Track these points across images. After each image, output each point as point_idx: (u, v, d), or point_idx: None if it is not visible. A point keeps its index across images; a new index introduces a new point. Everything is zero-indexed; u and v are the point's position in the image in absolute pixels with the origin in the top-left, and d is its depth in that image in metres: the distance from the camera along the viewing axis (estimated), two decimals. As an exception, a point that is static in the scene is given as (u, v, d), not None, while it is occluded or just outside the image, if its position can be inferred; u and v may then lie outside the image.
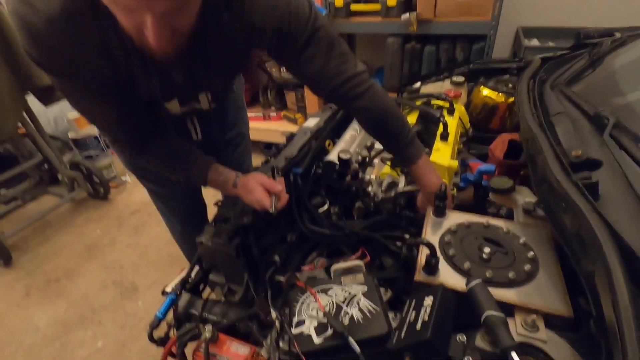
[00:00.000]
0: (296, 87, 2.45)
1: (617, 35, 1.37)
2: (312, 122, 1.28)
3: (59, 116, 2.43)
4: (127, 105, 0.76)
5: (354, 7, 1.91)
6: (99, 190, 2.32)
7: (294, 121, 2.45)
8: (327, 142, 1.21)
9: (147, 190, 1.17)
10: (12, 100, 1.76)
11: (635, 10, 1.85)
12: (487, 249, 0.60)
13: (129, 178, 2.54)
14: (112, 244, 1.98)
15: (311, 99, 2.33)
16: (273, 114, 2.55)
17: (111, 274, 1.79)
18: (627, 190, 0.56)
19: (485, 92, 1.32)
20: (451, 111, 1.17)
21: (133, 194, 2.40)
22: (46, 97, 1.87)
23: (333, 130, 1.28)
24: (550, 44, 1.79)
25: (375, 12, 1.88)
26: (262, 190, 0.76)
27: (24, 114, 1.91)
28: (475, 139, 1.33)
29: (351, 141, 1.19)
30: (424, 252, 0.61)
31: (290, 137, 1.20)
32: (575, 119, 0.74)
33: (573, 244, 0.53)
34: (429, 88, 1.44)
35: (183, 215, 1.24)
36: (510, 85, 1.31)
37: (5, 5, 0.61)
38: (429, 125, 1.19)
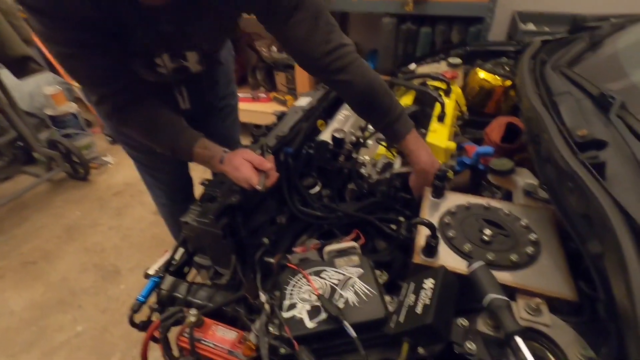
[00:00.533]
0: (286, 67, 2.37)
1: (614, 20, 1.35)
2: (304, 101, 1.23)
3: (35, 91, 2.29)
4: (116, 59, 0.72)
5: (349, -17, 1.83)
6: (79, 170, 2.23)
7: (283, 103, 2.39)
8: (319, 122, 1.17)
9: (133, 159, 1.13)
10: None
11: (630, -2, 1.83)
12: (487, 231, 0.57)
13: (111, 159, 2.44)
14: (93, 225, 1.91)
15: (301, 81, 2.26)
16: (262, 95, 2.47)
17: (92, 257, 1.72)
18: (635, 171, 0.53)
19: (482, 74, 1.28)
20: (448, 92, 1.14)
21: (115, 176, 2.31)
22: (20, 70, 1.75)
23: (325, 110, 1.23)
24: (546, 29, 1.76)
25: (370, -10, 1.81)
26: (250, 167, 0.71)
27: (-5, 88, 1.79)
28: (470, 122, 1.30)
29: (345, 121, 1.14)
30: (423, 232, 0.58)
31: (281, 115, 1.16)
32: (579, 99, 0.72)
33: (579, 226, 0.51)
34: (425, 69, 1.39)
35: (169, 189, 1.21)
36: (507, 68, 1.28)
37: None
38: (425, 107, 1.15)
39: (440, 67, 1.42)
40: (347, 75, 0.76)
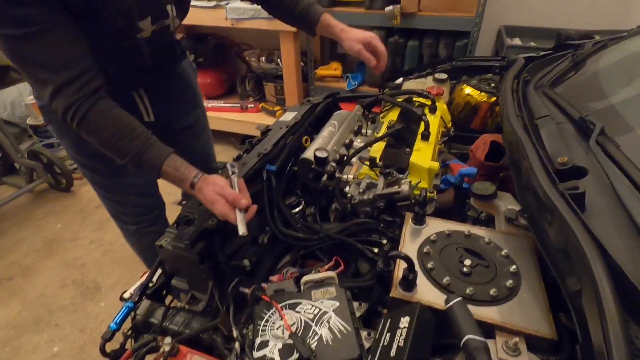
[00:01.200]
0: (275, 78, 2.36)
1: (598, 37, 1.37)
2: (289, 116, 1.21)
3: (17, 100, 2.24)
4: (74, 37, 0.67)
5: (337, -4, 1.84)
6: (61, 181, 2.17)
7: (272, 114, 2.37)
8: (304, 138, 1.15)
9: (93, 186, 1.07)
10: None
11: (614, 15, 1.87)
12: (467, 262, 0.56)
13: None
14: (74, 239, 1.86)
15: (290, 92, 2.25)
16: (251, 106, 2.45)
17: (72, 272, 1.67)
18: (613, 201, 0.53)
19: (468, 90, 1.28)
20: (433, 109, 1.13)
21: (99, 186, 2.26)
22: (0, 80, 1.71)
23: (311, 125, 1.22)
24: (532, 43, 1.79)
25: (358, 3, 1.82)
26: (224, 203, 0.67)
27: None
28: (456, 138, 1.30)
29: (329, 137, 1.13)
30: (401, 265, 0.56)
31: (265, 131, 1.14)
32: (560, 122, 0.71)
33: (558, 259, 0.50)
34: (411, 84, 1.39)
35: (136, 213, 1.14)
36: (492, 84, 1.28)
37: None
38: (410, 124, 1.14)
39: (426, 83, 1.42)
40: None
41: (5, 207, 2.02)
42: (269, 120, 2.35)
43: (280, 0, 1.05)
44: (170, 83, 1.07)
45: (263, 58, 2.41)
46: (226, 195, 0.68)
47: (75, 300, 1.54)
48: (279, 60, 2.31)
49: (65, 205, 2.11)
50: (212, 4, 1.98)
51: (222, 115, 2.45)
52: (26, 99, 2.15)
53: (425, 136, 0.99)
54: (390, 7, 1.72)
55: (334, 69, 2.14)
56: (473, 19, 1.65)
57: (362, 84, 2.08)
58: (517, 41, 1.77)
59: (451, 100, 1.39)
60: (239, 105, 2.47)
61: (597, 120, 0.65)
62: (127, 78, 0.91)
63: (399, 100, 1.24)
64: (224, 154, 2.57)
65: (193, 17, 2.07)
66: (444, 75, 1.35)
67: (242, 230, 0.64)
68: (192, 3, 1.67)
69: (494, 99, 1.23)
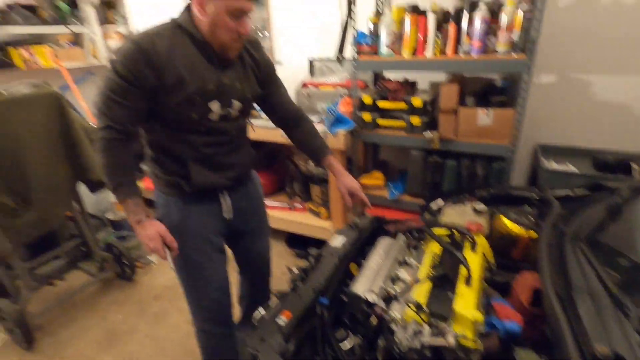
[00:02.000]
0: (321, 181, 2.59)
1: (635, 167, 1.43)
2: (338, 242, 1.34)
3: (102, 197, 2.63)
4: (136, 113, 1.02)
5: (380, 121, 2.09)
6: (126, 271, 2.41)
7: (317, 215, 2.55)
8: (352, 265, 1.27)
9: (178, 278, 1.30)
10: (66, 190, 1.96)
11: (651, 138, 1.94)
12: None
13: (155, 258, 2.63)
14: (132, 332, 2.00)
15: (335, 195, 2.44)
16: (298, 205, 2.66)
17: (126, 368, 1.78)
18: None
19: (506, 222, 1.37)
20: (474, 247, 1.21)
21: (157, 277, 2.47)
22: (95, 187, 2.06)
23: (358, 249, 1.34)
24: (569, 165, 1.87)
25: (400, 128, 2.05)
26: (160, 241, 1.03)
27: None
28: (498, 264, 1.35)
29: (376, 270, 1.23)
30: None
31: (318, 257, 1.26)
32: (599, 295, 0.77)
33: None
34: (451, 213, 1.50)
35: (211, 309, 1.32)
36: (531, 218, 1.36)
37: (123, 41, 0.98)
38: (453, 260, 1.22)
39: (465, 210, 1.53)
40: (306, 124, 1.36)
41: (77, 294, 2.26)
42: (314, 221, 2.53)
43: (300, 136, 1.38)
44: (247, 188, 1.34)
45: (310, 162, 2.68)
46: (165, 236, 1.04)
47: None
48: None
49: (127, 294, 2.30)
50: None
51: (272, 213, 2.68)
52: (110, 196, 2.53)
53: (468, 281, 1.06)
54: (429, 133, 1.92)
55: (376, 178, 2.32)
56: (508, 147, 1.79)
57: (403, 194, 2.22)
58: (553, 164, 1.87)
59: (491, 228, 1.48)
60: (287, 204, 2.69)
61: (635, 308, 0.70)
62: (218, 188, 1.22)
63: (441, 232, 1.34)
64: (272, 249, 2.73)
65: (257, 134, 2.43)
66: (482, 206, 1.46)
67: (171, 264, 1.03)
68: (256, 123, 2.06)
69: (533, 234, 1.30)
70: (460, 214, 1.50)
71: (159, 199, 1.22)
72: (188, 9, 1.02)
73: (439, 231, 1.36)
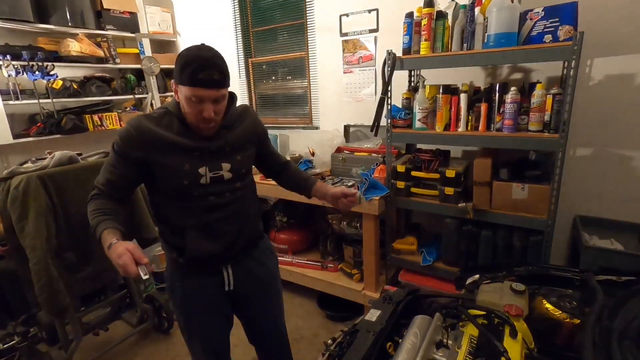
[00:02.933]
0: (354, 242, 2.63)
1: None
2: (374, 316, 1.36)
3: (147, 249, 2.81)
4: (126, 181, 1.20)
5: (414, 190, 2.16)
6: (164, 323, 2.49)
7: (349, 276, 2.56)
8: (388, 345, 1.27)
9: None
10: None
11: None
12: None
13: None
14: (165, 389, 2.03)
15: (368, 257, 2.46)
16: (330, 265, 2.70)
17: None
18: None
19: (547, 306, 1.34)
20: (514, 333, 1.20)
21: (191, 331, 2.52)
22: (147, 244, 2.23)
23: (393, 325, 1.34)
24: (613, 242, 1.82)
25: (433, 196, 2.10)
26: (130, 257, 1.00)
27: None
28: (540, 350, 1.30)
29: (413, 351, 1.23)
30: None
31: (352, 331, 1.28)
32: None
33: None
34: (488, 291, 1.48)
35: None
36: (574, 303, 1.33)
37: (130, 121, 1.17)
38: (493, 350, 1.21)
39: (504, 289, 1.51)
40: (288, 171, 1.55)
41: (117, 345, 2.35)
42: (346, 282, 2.54)
43: (288, 177, 1.55)
44: (254, 258, 1.40)
45: (345, 223, 2.75)
46: (133, 251, 1.01)
47: None
48: (358, 225, 2.61)
49: (163, 348, 2.36)
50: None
51: (303, 271, 2.73)
52: (155, 249, 2.70)
53: (508, 372, 1.04)
54: (463, 204, 1.96)
55: (409, 243, 2.34)
56: (545, 221, 1.78)
57: (437, 260, 2.21)
58: (595, 241, 1.82)
59: (531, 310, 1.44)
60: (320, 263, 2.74)
61: None
62: (219, 256, 1.30)
63: (477, 314, 1.33)
64: (302, 307, 2.74)
65: (293, 195, 2.57)
66: (521, 287, 1.44)
67: (144, 275, 0.99)
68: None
69: (577, 320, 1.26)
70: (497, 293, 1.48)
71: (166, 272, 1.36)
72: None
73: (476, 312, 1.35)
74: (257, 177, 2.67)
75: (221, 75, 1.10)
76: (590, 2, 1.87)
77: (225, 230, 1.27)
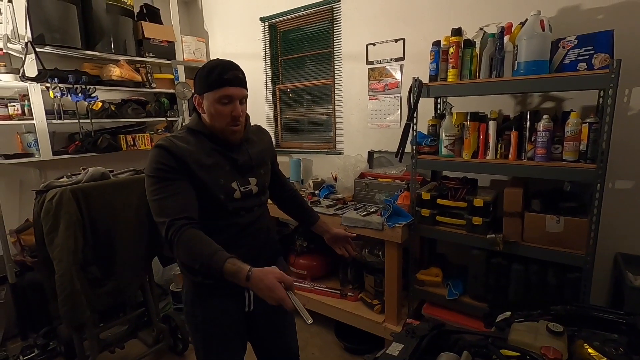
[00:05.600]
0: (376, 271, 2.54)
1: None
2: (396, 350, 1.28)
3: (168, 267, 2.83)
4: (188, 199, 1.11)
5: (440, 218, 2.09)
6: (178, 345, 2.45)
7: (370, 306, 2.46)
8: (411, 383, 1.18)
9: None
10: (143, 264, 2.15)
11: None
12: None
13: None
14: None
15: (390, 288, 2.36)
16: (350, 294, 2.60)
17: None
18: None
19: (590, 351, 1.22)
20: (552, 380, 1.09)
21: (205, 355, 2.46)
22: (167, 262, 2.24)
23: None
24: (660, 282, 1.66)
25: (460, 226, 2.02)
26: (282, 289, 0.94)
27: (145, 273, 2.28)
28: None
29: (438, 392, 1.14)
30: None
31: (374, 366, 1.21)
32: None
33: None
34: (521, 330, 1.37)
35: None
36: (621, 349, 1.20)
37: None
38: (527, 391, 1.10)
39: (539, 329, 1.39)
40: (295, 198, 1.56)
41: (131, 365, 2.33)
42: (366, 313, 2.43)
43: (292, 199, 1.56)
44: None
45: (366, 250, 2.67)
46: (285, 280, 0.96)
47: None
48: (380, 253, 2.53)
49: (175, 371, 2.31)
50: (331, 211, 2.42)
51: (322, 299, 2.65)
52: (174, 268, 2.71)
53: None
54: (492, 235, 1.86)
55: (434, 274, 2.23)
56: (583, 257, 1.66)
57: (463, 294, 2.10)
58: (640, 281, 1.68)
59: (570, 354, 1.31)
60: (339, 291, 2.65)
61: None
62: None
63: (510, 354, 1.23)
64: (319, 337, 2.64)
65: (314, 219, 2.55)
66: (559, 327, 1.32)
67: (309, 320, 0.90)
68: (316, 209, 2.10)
69: (625, 370, 1.13)
70: (532, 333, 1.36)
71: (186, 296, 1.31)
72: (196, 113, 1.24)
73: (508, 352, 1.24)
74: (279, 200, 2.69)
75: (243, 75, 1.18)
76: (626, 30, 1.82)
77: (251, 246, 1.26)
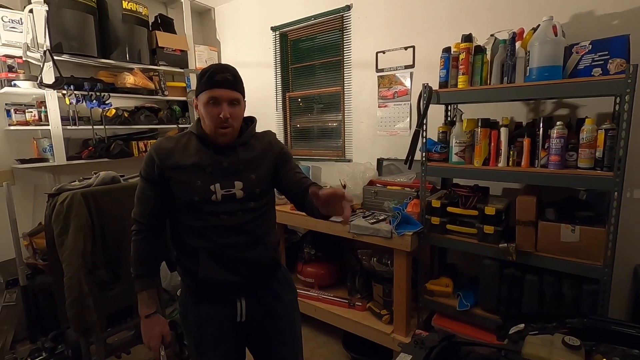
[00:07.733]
0: (384, 280, 2.49)
1: None
2: (404, 360, 1.24)
3: (175, 274, 2.83)
4: (159, 207, 1.24)
5: (450, 227, 2.04)
6: (184, 352, 2.43)
7: (378, 317, 2.41)
8: (420, 395, 1.14)
9: None
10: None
11: None
12: None
13: None
14: None
15: (399, 298, 2.31)
16: (358, 304, 2.56)
17: None
18: None
19: (610, 366, 1.16)
20: (569, 396, 1.03)
21: (211, 363, 2.44)
22: (174, 267, 2.23)
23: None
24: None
25: (471, 234, 1.97)
26: (160, 343, 1.21)
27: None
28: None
29: (449, 405, 1.10)
30: None
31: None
32: None
33: None
34: (535, 343, 1.32)
35: None
36: (641, 366, 1.14)
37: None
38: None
39: (554, 342, 1.33)
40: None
41: (136, 370, 2.32)
42: (375, 323, 2.38)
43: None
44: (270, 290, 1.34)
45: (375, 259, 2.63)
46: (165, 337, 1.23)
47: None
48: (389, 262, 2.49)
49: (180, 378, 2.29)
50: (339, 219, 2.39)
51: (329, 308, 2.60)
52: (183, 274, 2.71)
53: None
54: (504, 244, 1.81)
55: (444, 284, 2.18)
56: (601, 268, 1.60)
57: (475, 305, 2.03)
58: (663, 294, 1.60)
59: (589, 370, 1.25)
60: (347, 301, 2.60)
61: None
62: (232, 285, 1.25)
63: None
64: (325, 347, 2.59)
65: (322, 226, 2.52)
66: (576, 341, 1.26)
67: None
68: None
69: (647, 387, 1.07)
70: (547, 346, 1.31)
71: (180, 297, 1.35)
72: (199, 119, 1.25)
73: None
74: (288, 207, 2.67)
75: (234, 77, 1.18)
76: (641, 36, 1.78)
77: (239, 257, 1.23)
